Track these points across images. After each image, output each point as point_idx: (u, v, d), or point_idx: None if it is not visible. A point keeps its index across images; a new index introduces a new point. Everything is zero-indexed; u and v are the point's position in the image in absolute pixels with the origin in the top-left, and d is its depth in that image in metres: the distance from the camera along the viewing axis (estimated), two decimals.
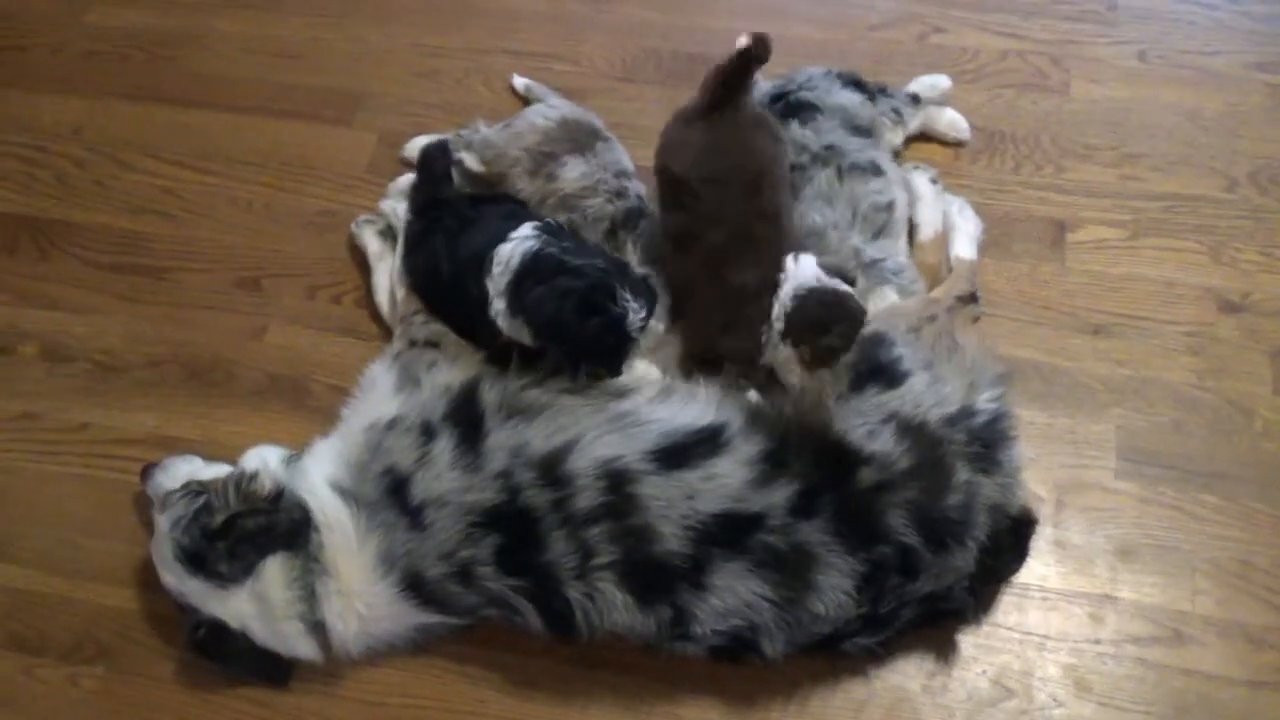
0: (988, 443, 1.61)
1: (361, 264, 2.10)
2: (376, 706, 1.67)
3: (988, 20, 2.47)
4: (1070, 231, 2.12)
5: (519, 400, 1.68)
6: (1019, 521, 1.64)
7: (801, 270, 1.70)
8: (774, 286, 1.71)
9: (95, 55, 2.52)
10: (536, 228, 1.70)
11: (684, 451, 1.59)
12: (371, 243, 2.09)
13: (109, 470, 1.90)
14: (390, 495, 1.62)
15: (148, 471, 1.74)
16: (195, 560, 1.60)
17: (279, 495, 1.64)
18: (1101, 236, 2.11)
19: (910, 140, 2.21)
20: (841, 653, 1.61)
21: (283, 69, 2.46)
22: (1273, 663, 1.66)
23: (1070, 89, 2.34)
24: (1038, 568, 1.75)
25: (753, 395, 1.72)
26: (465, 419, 1.67)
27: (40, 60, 2.53)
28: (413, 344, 1.82)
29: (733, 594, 1.54)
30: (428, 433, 1.66)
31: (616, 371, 1.69)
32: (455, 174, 2.01)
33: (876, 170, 1.98)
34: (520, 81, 2.36)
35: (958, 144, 2.23)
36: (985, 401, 1.64)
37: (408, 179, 2.09)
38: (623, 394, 1.69)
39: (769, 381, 1.74)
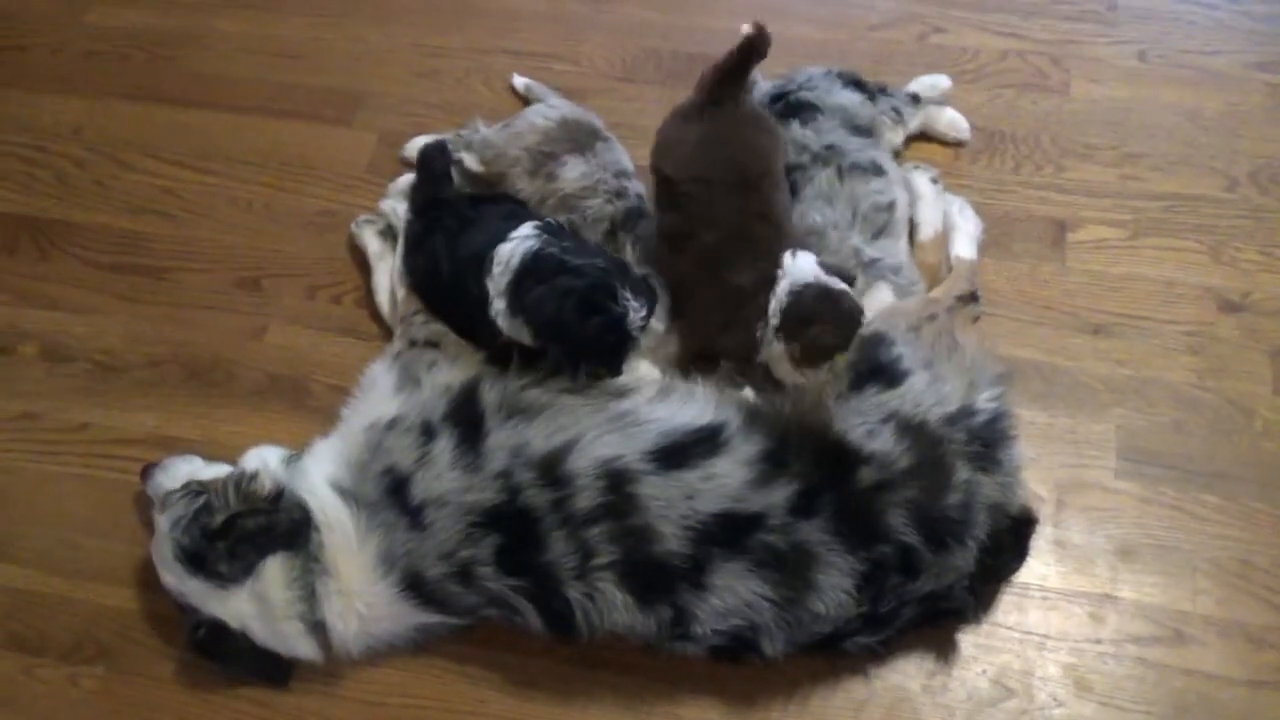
0: (988, 442, 1.61)
1: (361, 264, 2.10)
2: (376, 706, 1.67)
3: (988, 20, 2.47)
4: (1070, 231, 2.12)
5: (519, 400, 1.68)
6: (1019, 521, 1.64)
7: (799, 266, 1.70)
8: (771, 284, 1.71)
9: (95, 55, 2.52)
10: (537, 227, 1.70)
11: (683, 451, 1.58)
12: (371, 243, 2.09)
13: (109, 470, 1.90)
14: (390, 495, 1.62)
15: (148, 471, 1.74)
16: (195, 560, 1.60)
17: (279, 495, 1.64)
18: (1102, 236, 2.11)
19: (910, 140, 2.22)
20: (842, 652, 1.61)
21: (283, 69, 2.46)
22: (1273, 662, 1.66)
23: (1070, 89, 2.34)
24: (1038, 567, 1.75)
25: (748, 393, 1.72)
26: (465, 419, 1.67)
27: (40, 60, 2.53)
28: (413, 344, 1.82)
29: (733, 594, 1.54)
30: (428, 433, 1.66)
31: (616, 371, 1.69)
32: (455, 174, 2.01)
33: (877, 170, 1.98)
34: (520, 81, 2.36)
35: (958, 144, 2.23)
36: (985, 401, 1.65)
37: (408, 179, 2.09)
38: (622, 394, 1.69)
39: (767, 380, 1.74)
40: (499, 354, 1.75)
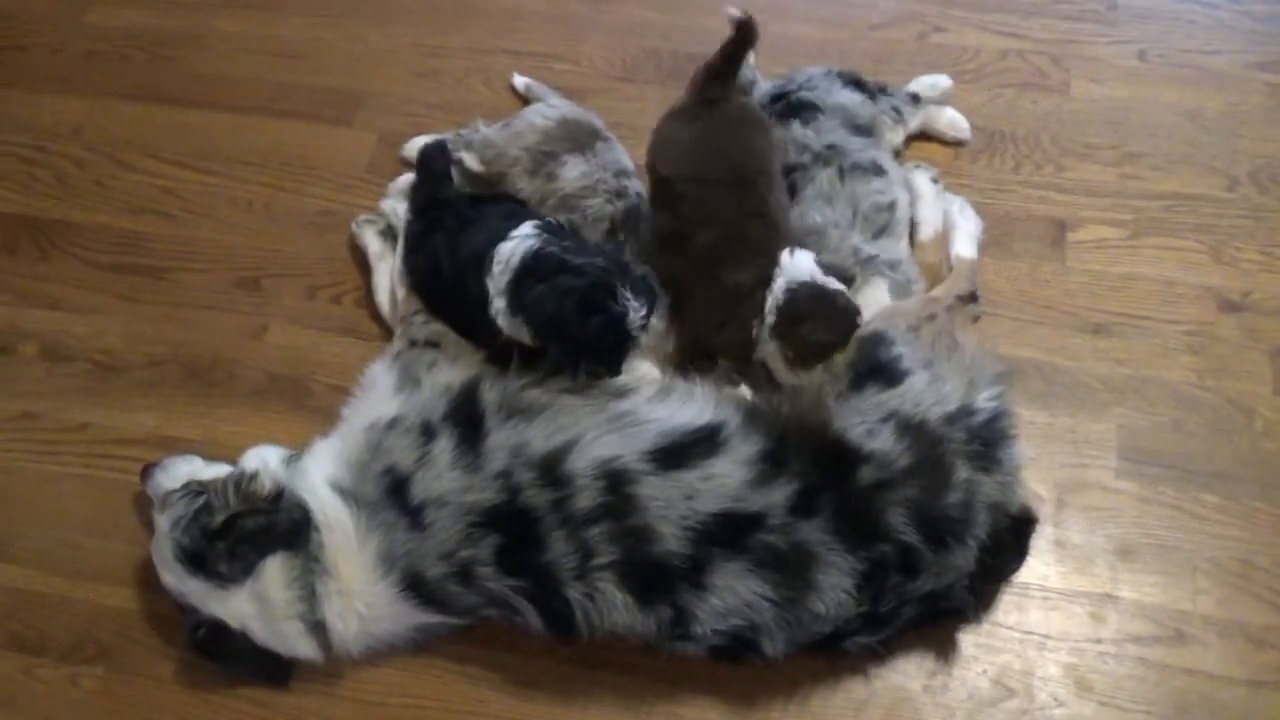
0: (987, 441, 1.61)
1: (362, 264, 2.10)
2: (376, 706, 1.67)
3: (988, 20, 2.47)
4: (1070, 231, 2.12)
5: (519, 400, 1.68)
6: (1019, 520, 1.64)
7: (796, 265, 1.70)
8: (769, 283, 1.71)
9: (95, 55, 2.52)
10: (537, 226, 1.70)
11: (682, 451, 1.58)
12: (372, 242, 2.09)
13: (109, 470, 1.90)
14: (390, 495, 1.62)
15: (148, 471, 1.74)
16: (195, 560, 1.60)
17: (279, 495, 1.64)
18: (1102, 236, 2.11)
19: (911, 139, 2.21)
20: (842, 652, 1.61)
21: (283, 69, 2.46)
22: (1273, 662, 1.66)
23: (1070, 88, 2.34)
24: (1038, 567, 1.74)
25: (744, 390, 1.72)
26: (465, 419, 1.67)
27: (40, 60, 2.53)
28: (413, 344, 1.82)
29: (733, 594, 1.54)
30: (428, 432, 1.66)
31: (616, 370, 1.69)
32: (455, 173, 2.01)
33: (878, 170, 1.98)
34: (520, 81, 2.36)
35: (958, 143, 2.23)
36: (985, 400, 1.64)
37: (408, 179, 2.09)
38: (622, 394, 1.69)
39: (766, 379, 1.74)
40: (499, 354, 1.75)
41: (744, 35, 1.84)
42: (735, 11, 1.83)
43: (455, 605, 1.61)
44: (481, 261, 1.69)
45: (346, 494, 1.64)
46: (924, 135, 2.23)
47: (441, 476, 1.61)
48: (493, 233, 1.72)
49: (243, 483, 1.65)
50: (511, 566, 1.58)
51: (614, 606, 1.56)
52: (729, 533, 1.54)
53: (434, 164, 1.95)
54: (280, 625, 1.60)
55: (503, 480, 1.59)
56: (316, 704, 1.67)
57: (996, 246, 2.08)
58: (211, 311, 2.09)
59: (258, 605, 1.60)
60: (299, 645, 1.62)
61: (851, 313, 1.68)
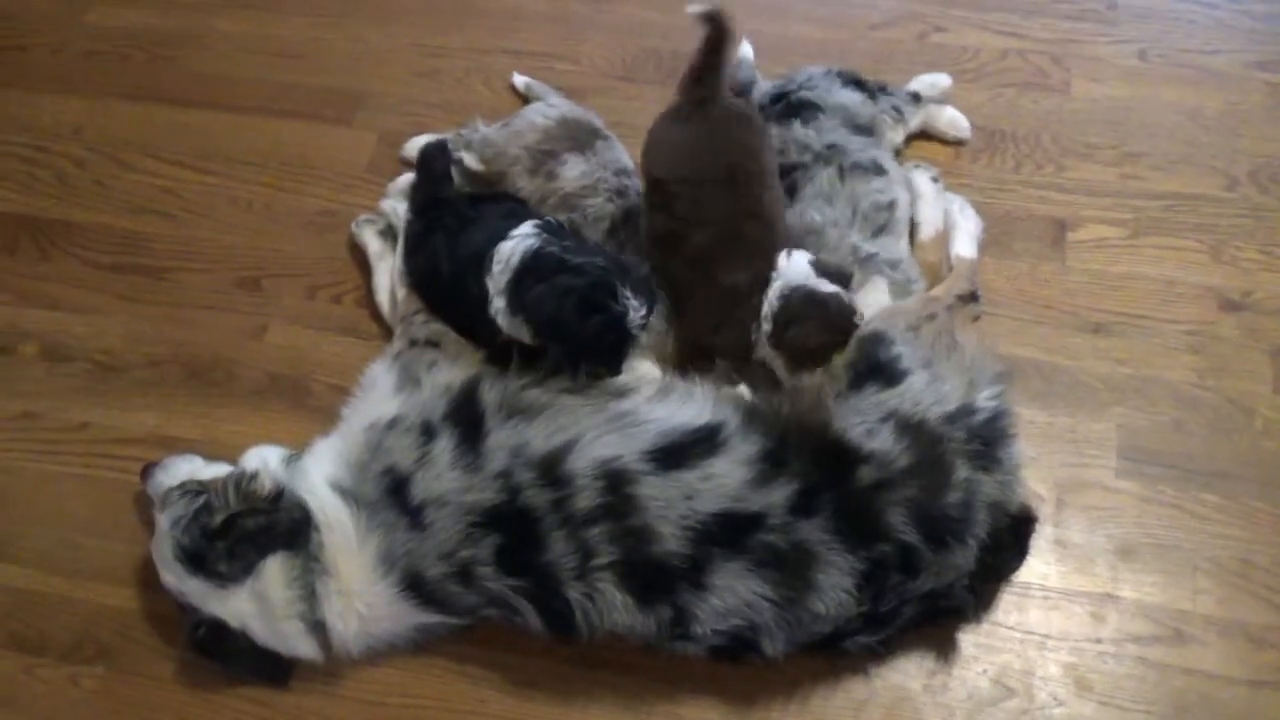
0: (987, 440, 1.61)
1: (362, 263, 2.10)
2: (377, 706, 1.67)
3: (988, 19, 2.47)
4: (1071, 230, 2.12)
5: (519, 400, 1.68)
6: (1019, 520, 1.64)
7: (792, 268, 1.70)
8: (767, 284, 1.71)
9: (95, 55, 2.52)
10: (537, 226, 1.70)
11: (682, 451, 1.58)
12: (372, 242, 2.09)
13: (109, 470, 1.90)
14: (390, 495, 1.62)
15: (148, 471, 1.74)
16: (195, 559, 1.60)
17: (279, 495, 1.64)
18: (1102, 235, 2.11)
19: (911, 138, 2.21)
20: (842, 651, 1.61)
21: (283, 69, 2.46)
22: (1273, 662, 1.66)
23: (1071, 88, 2.34)
24: (1038, 566, 1.74)
25: (743, 390, 1.72)
26: (465, 419, 1.67)
27: (40, 60, 2.53)
28: (413, 343, 1.82)
29: (733, 593, 1.54)
30: (428, 432, 1.66)
31: (616, 370, 1.69)
32: (455, 173, 2.01)
33: (878, 169, 1.98)
34: (520, 80, 2.36)
35: (958, 142, 2.23)
36: (985, 399, 1.64)
37: (408, 178, 2.09)
38: (622, 393, 1.69)
39: (765, 379, 1.74)
40: (499, 353, 1.75)
41: (717, 30, 1.84)
42: (699, 7, 1.81)
43: (455, 605, 1.61)
44: (481, 261, 1.70)
45: (347, 494, 1.64)
46: (924, 134, 2.23)
47: (441, 476, 1.61)
48: (492, 232, 1.72)
49: (243, 482, 1.65)
50: (511, 566, 1.58)
51: (614, 606, 1.56)
52: (729, 533, 1.54)
53: (434, 164, 1.95)
54: (280, 625, 1.60)
55: (503, 480, 1.59)
56: (317, 704, 1.67)
57: (997, 246, 2.08)
58: (212, 311, 2.09)
59: (258, 605, 1.60)
60: (299, 645, 1.62)
61: (847, 314, 1.68)
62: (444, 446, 1.64)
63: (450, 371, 1.74)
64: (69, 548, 1.82)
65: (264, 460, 1.70)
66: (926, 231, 2.02)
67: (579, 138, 1.99)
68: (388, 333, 1.97)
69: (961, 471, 1.58)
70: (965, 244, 1.99)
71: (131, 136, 2.36)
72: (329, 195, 2.24)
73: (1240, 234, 2.10)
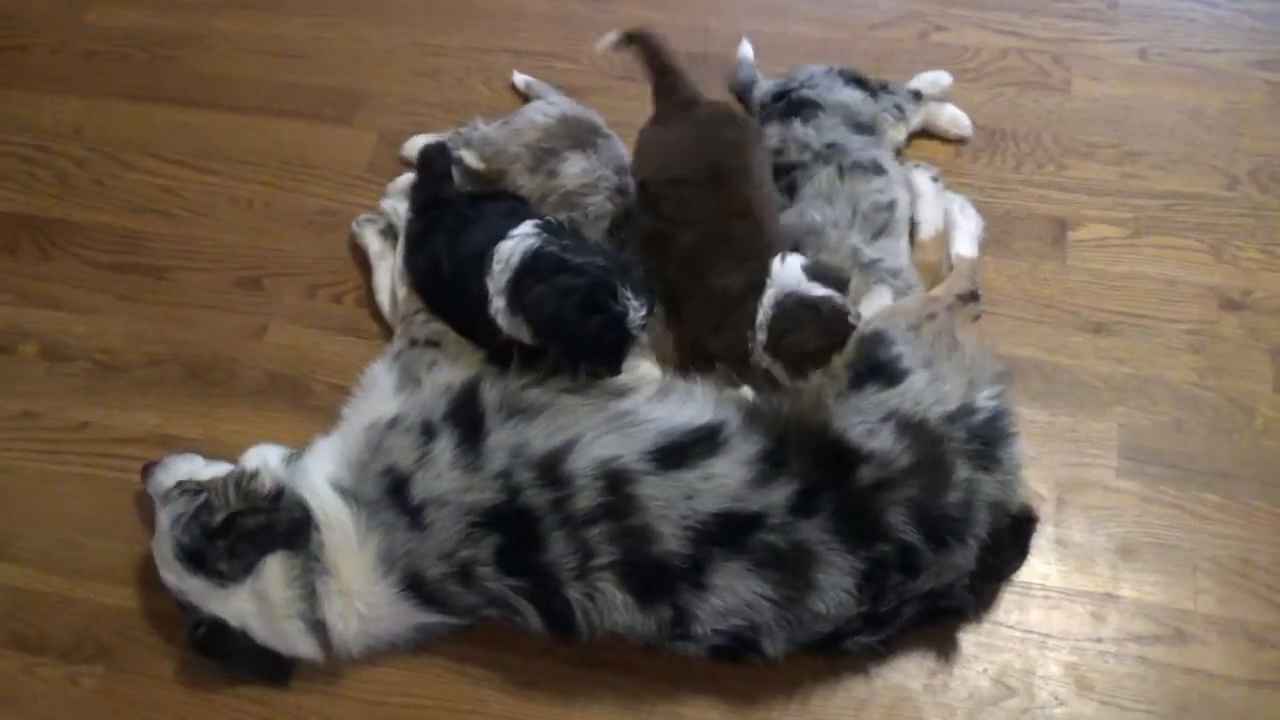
0: (988, 440, 1.61)
1: (362, 263, 2.10)
2: (377, 706, 1.67)
3: (988, 18, 2.47)
4: (1071, 229, 2.12)
5: (519, 400, 1.68)
6: (1020, 519, 1.64)
7: (785, 273, 1.70)
8: (760, 288, 1.71)
9: (95, 55, 2.52)
10: (537, 225, 1.70)
11: (682, 451, 1.58)
12: (372, 242, 2.09)
13: (109, 469, 1.90)
14: (390, 495, 1.62)
15: (148, 470, 1.74)
16: (195, 558, 1.60)
17: (279, 494, 1.64)
18: (1102, 234, 2.11)
19: (912, 137, 2.21)
20: (842, 651, 1.61)
21: (283, 68, 2.46)
22: (1274, 661, 1.66)
23: (1071, 87, 2.34)
24: (1039, 566, 1.74)
25: (747, 392, 1.71)
26: (466, 418, 1.67)
27: (41, 60, 2.53)
28: (413, 343, 1.82)
29: (733, 593, 1.54)
30: (428, 432, 1.66)
31: (616, 370, 1.69)
32: (455, 172, 2.01)
33: (878, 169, 1.98)
34: (520, 79, 2.36)
35: (959, 140, 2.23)
36: (985, 399, 1.64)
37: (408, 178, 2.09)
38: (622, 393, 1.69)
39: (765, 380, 1.74)
40: (499, 353, 1.75)
41: (643, 44, 1.89)
42: (606, 42, 1.94)
43: (455, 605, 1.61)
44: (481, 260, 1.69)
45: (347, 493, 1.64)
46: (925, 133, 2.23)
47: (442, 476, 1.61)
48: (493, 231, 1.72)
49: (243, 481, 1.65)
50: (511, 566, 1.58)
51: (614, 606, 1.56)
52: (729, 532, 1.54)
53: (434, 163, 1.95)
54: (280, 624, 1.60)
55: (503, 480, 1.59)
56: (317, 703, 1.67)
57: (997, 245, 2.08)
58: (212, 311, 2.09)
59: (258, 604, 1.60)
60: (299, 644, 1.62)
61: (841, 315, 1.68)
62: (444, 446, 1.64)
63: (450, 371, 1.74)
64: (69, 547, 1.82)
65: (264, 459, 1.70)
66: (927, 231, 2.02)
67: (579, 136, 1.98)
68: (388, 332, 1.97)
69: (962, 471, 1.58)
70: (966, 243, 1.99)
71: (132, 136, 2.36)
72: (329, 195, 2.24)
73: (1241, 233, 2.10)
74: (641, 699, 1.65)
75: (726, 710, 1.65)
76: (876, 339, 1.68)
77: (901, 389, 1.62)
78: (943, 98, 2.24)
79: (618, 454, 1.58)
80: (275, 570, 1.60)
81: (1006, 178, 2.19)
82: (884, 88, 2.17)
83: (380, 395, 1.76)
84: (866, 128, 2.07)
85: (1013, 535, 1.63)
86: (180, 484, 1.67)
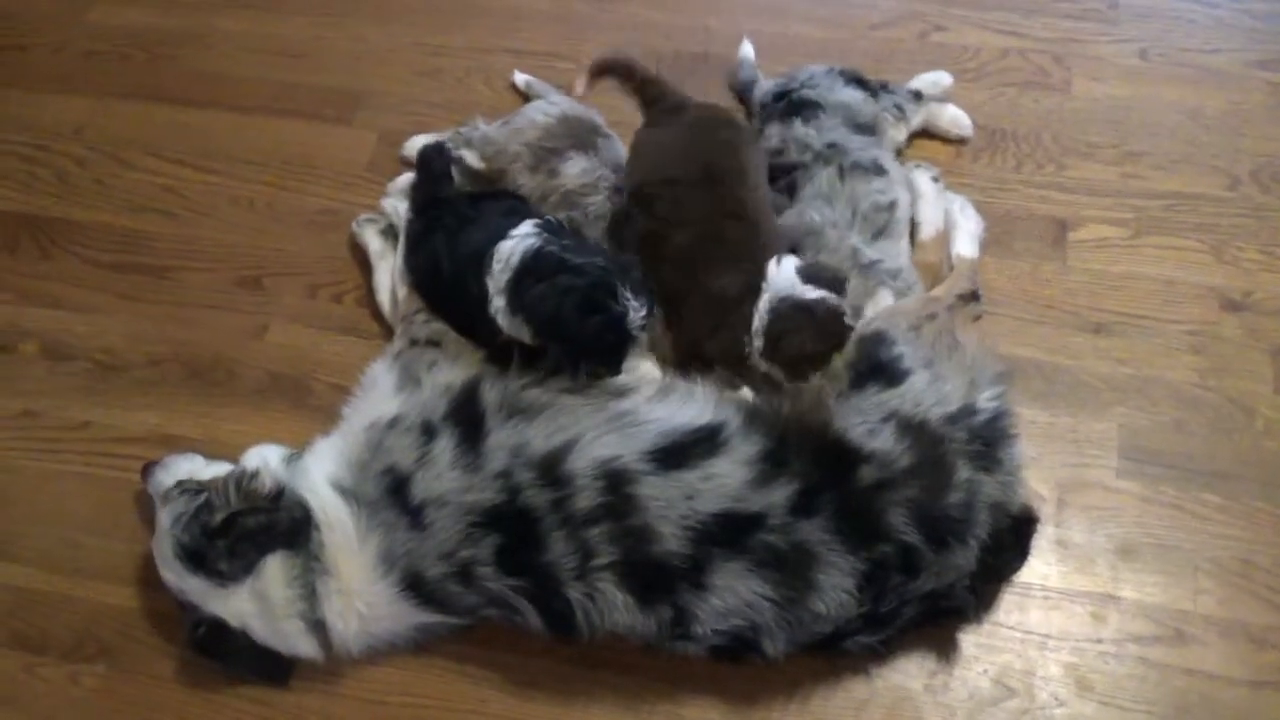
0: (989, 441, 1.61)
1: (363, 263, 2.10)
2: (377, 705, 1.67)
3: (989, 19, 2.47)
4: (1072, 230, 2.11)
5: (519, 400, 1.68)
6: (1020, 520, 1.64)
7: (780, 277, 1.70)
8: (757, 291, 1.70)
9: (96, 54, 2.53)
10: (537, 225, 1.70)
11: (682, 451, 1.58)
12: (373, 241, 2.09)
13: (110, 469, 1.90)
14: (391, 495, 1.62)
15: (149, 470, 1.74)
16: (196, 558, 1.60)
17: (279, 494, 1.64)
18: (1103, 235, 2.11)
19: (912, 137, 2.21)
20: (843, 652, 1.61)
21: (284, 68, 2.46)
22: (1274, 662, 1.66)
23: (1072, 87, 2.34)
24: (1039, 567, 1.74)
25: (746, 393, 1.71)
26: (466, 418, 1.67)
27: (41, 59, 2.53)
28: (414, 343, 1.82)
29: (733, 594, 1.54)
30: (428, 432, 1.66)
31: (616, 370, 1.69)
32: (455, 172, 2.01)
33: (879, 169, 1.98)
34: (521, 78, 2.36)
35: (960, 140, 2.23)
36: (986, 400, 1.64)
37: (408, 177, 2.09)
38: (622, 393, 1.69)
39: (764, 380, 1.74)
40: (499, 353, 1.75)
41: (615, 69, 1.93)
42: (581, 84, 2.08)
43: (455, 605, 1.61)
44: (481, 260, 1.70)
45: (347, 493, 1.64)
46: (926, 133, 2.23)
47: (442, 476, 1.61)
48: (493, 231, 1.72)
49: (243, 481, 1.65)
50: (511, 566, 1.58)
51: (614, 606, 1.56)
52: (729, 533, 1.54)
53: (433, 163, 1.95)
54: (280, 624, 1.60)
55: (503, 480, 1.59)
56: (317, 703, 1.67)
57: (997, 245, 2.08)
58: (213, 310, 2.09)
59: (258, 604, 1.60)
60: (299, 644, 1.62)
61: (837, 317, 1.68)
62: (444, 446, 1.64)
63: (451, 371, 1.74)
64: (70, 546, 1.83)
65: (264, 459, 1.70)
66: (927, 231, 2.02)
67: (580, 135, 1.99)
68: (388, 332, 1.97)
69: (963, 472, 1.58)
70: (966, 243, 1.99)
71: (133, 135, 2.36)
72: (330, 194, 2.24)
73: (1241, 234, 2.10)
74: (642, 699, 1.65)
75: (726, 710, 1.65)
76: (877, 339, 1.68)
77: (902, 389, 1.62)
78: (943, 98, 2.24)
79: (618, 454, 1.58)
80: (275, 570, 1.60)
81: (1007, 178, 2.19)
82: (884, 88, 2.17)
83: (380, 395, 1.76)
84: (867, 128, 2.07)
85: (1013, 536, 1.63)
86: (180, 483, 1.67)
